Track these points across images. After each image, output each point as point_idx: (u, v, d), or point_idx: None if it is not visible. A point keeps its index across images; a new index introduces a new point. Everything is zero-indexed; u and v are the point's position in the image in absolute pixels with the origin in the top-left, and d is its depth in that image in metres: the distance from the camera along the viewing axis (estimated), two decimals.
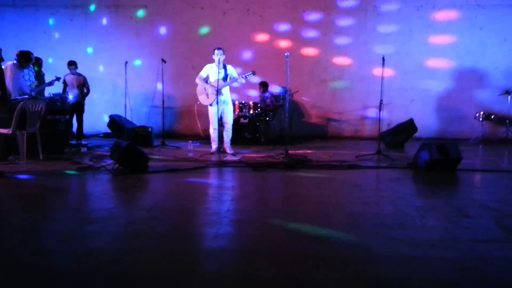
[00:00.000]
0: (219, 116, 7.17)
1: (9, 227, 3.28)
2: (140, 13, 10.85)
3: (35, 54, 7.30)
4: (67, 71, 8.85)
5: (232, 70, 7.24)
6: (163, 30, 10.83)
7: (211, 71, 7.14)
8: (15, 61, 6.76)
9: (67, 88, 8.81)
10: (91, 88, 9.13)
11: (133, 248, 2.78)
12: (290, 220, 3.42)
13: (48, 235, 3.07)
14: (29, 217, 3.58)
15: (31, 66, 7.81)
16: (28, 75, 7.82)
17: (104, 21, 10.94)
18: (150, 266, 2.46)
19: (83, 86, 8.92)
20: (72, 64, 8.81)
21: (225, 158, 6.64)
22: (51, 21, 11.08)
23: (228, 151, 7.16)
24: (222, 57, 7.05)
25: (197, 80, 7.26)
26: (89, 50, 10.99)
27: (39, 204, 3.99)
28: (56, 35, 11.05)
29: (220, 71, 7.01)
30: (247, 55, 10.56)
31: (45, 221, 3.44)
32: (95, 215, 3.51)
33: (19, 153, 6.15)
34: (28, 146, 6.23)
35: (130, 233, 3.11)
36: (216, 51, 7.05)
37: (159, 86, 8.62)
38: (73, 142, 7.94)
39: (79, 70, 8.93)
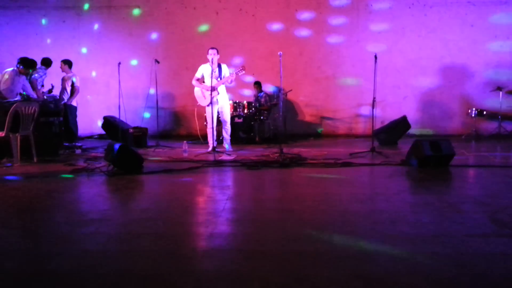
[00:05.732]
0: (217, 115, 7.18)
1: (4, 230, 3.27)
2: (133, 13, 10.82)
3: (28, 56, 7.24)
4: (59, 72, 8.64)
5: (226, 69, 7.25)
6: (156, 30, 10.81)
7: (205, 71, 7.14)
8: (15, 68, 6.93)
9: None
10: (85, 89, 9.05)
11: (128, 249, 2.78)
12: (284, 218, 3.44)
13: (43, 237, 3.06)
14: (24, 219, 3.58)
15: (40, 71, 7.95)
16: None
17: (96, 23, 10.90)
18: (145, 266, 2.46)
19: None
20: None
21: (220, 158, 6.65)
22: (43, 22, 11.02)
23: (226, 148, 7.15)
24: (216, 57, 7.06)
25: (193, 82, 7.26)
26: (83, 51, 10.95)
27: (34, 207, 3.97)
28: (48, 37, 11.00)
29: (214, 70, 7.02)
30: (240, 54, 10.56)
31: (40, 223, 3.44)
32: (90, 217, 3.50)
33: (12, 156, 6.13)
34: (21, 149, 6.21)
35: (125, 234, 3.11)
36: (210, 51, 7.07)
37: (153, 86, 8.60)
38: (67, 144, 7.90)
39: (72, 71, 8.81)
